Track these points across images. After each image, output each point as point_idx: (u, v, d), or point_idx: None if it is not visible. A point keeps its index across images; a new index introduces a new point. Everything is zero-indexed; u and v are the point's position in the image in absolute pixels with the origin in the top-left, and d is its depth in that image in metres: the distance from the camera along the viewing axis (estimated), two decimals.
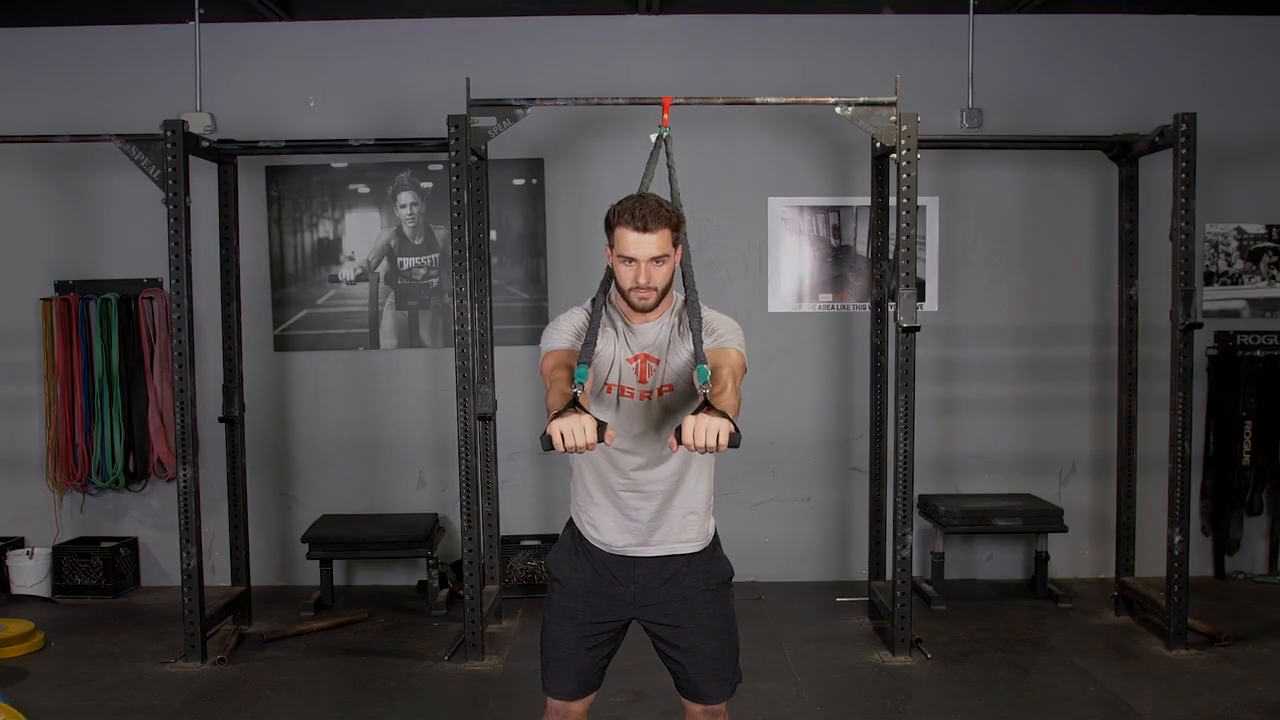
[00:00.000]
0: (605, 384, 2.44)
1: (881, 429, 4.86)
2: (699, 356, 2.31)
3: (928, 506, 5.27)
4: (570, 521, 2.60)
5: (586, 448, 2.09)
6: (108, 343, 5.32)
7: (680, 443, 2.11)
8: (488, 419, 4.52)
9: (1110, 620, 4.88)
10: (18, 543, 5.43)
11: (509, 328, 5.33)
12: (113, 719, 3.84)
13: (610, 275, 2.52)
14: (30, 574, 5.27)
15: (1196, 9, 5.37)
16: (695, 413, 2.12)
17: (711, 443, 2.09)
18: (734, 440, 2.11)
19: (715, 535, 2.59)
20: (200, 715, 3.88)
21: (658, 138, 3.45)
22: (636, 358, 2.43)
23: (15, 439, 5.47)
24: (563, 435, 2.07)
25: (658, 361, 2.43)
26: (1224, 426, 5.41)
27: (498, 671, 4.26)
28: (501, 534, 4.99)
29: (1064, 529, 5.19)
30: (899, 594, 4.33)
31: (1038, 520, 5.18)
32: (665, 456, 2.44)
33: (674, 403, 2.42)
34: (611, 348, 2.44)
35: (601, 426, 2.11)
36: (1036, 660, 4.38)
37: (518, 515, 5.43)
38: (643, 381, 2.42)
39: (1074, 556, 5.53)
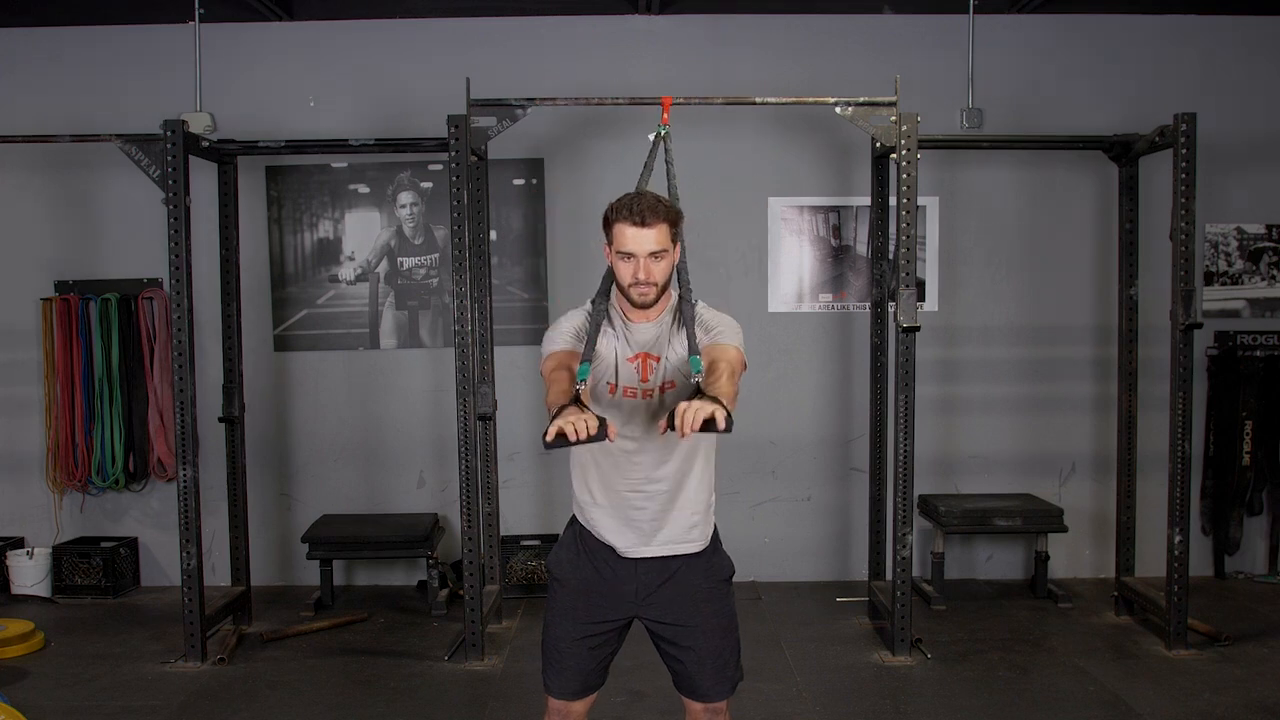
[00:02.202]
0: (606, 384, 2.44)
1: (881, 429, 4.86)
2: (692, 349, 2.33)
3: (928, 506, 5.27)
4: (572, 520, 2.60)
5: (588, 438, 2.07)
6: (108, 343, 5.32)
7: (671, 426, 2.07)
8: (488, 419, 4.52)
9: (1110, 620, 4.88)
10: (18, 543, 5.43)
11: (509, 328, 5.33)
12: (112, 719, 3.84)
13: (609, 278, 2.52)
14: (30, 574, 5.27)
15: (1196, 9, 5.37)
16: (689, 399, 2.11)
17: (698, 425, 2.02)
18: (727, 426, 2.04)
19: (716, 535, 2.59)
20: (200, 715, 3.88)
21: (656, 136, 3.46)
22: (637, 357, 2.43)
23: (15, 439, 5.47)
24: (563, 432, 2.06)
25: (658, 359, 2.43)
26: (1224, 426, 5.41)
27: (498, 671, 4.26)
28: (501, 534, 4.99)
29: (1064, 529, 5.19)
30: (899, 594, 4.33)
31: (1038, 520, 5.18)
32: (669, 457, 2.44)
33: (677, 399, 2.41)
34: (611, 348, 2.45)
35: (603, 423, 2.11)
36: (1036, 660, 4.38)
37: (518, 515, 5.43)
38: (644, 380, 2.43)
39: (1074, 556, 5.53)
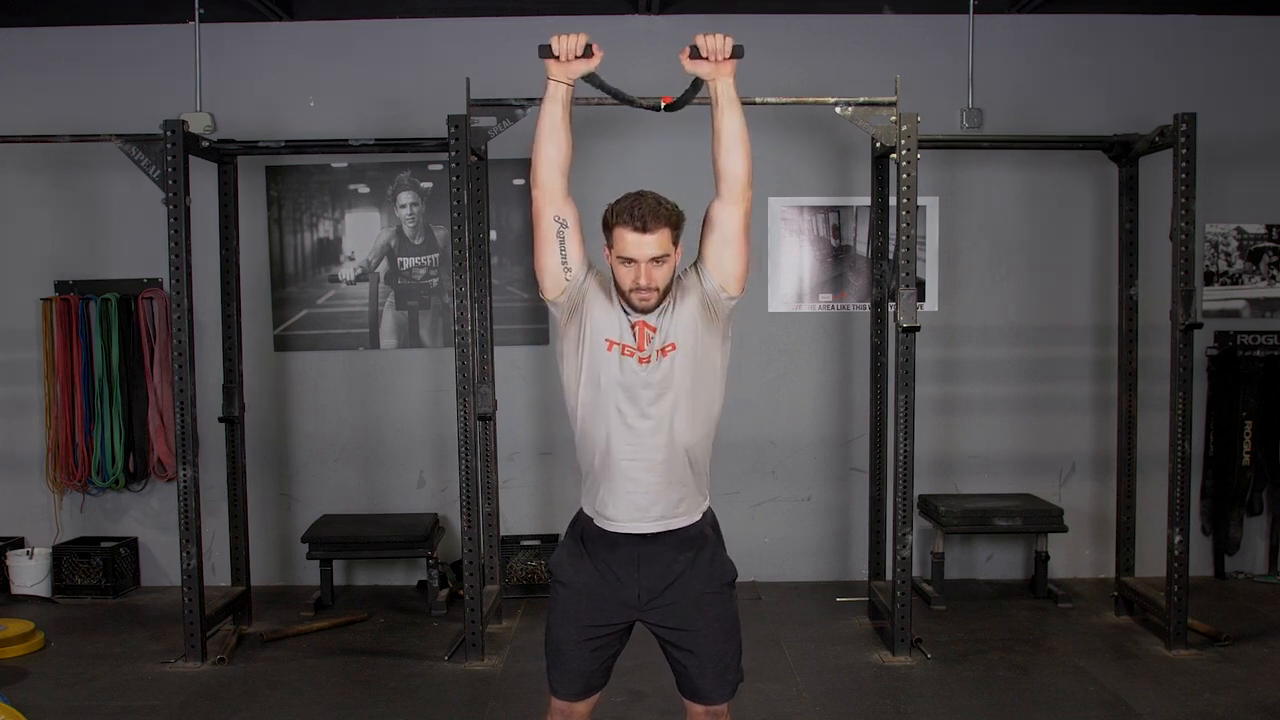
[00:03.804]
0: (605, 340, 2.42)
1: (881, 429, 4.86)
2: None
3: (928, 506, 5.27)
4: (572, 523, 2.59)
5: (579, 55, 2.45)
6: (108, 343, 5.32)
7: (694, 56, 2.44)
8: (488, 419, 4.52)
9: (1110, 620, 4.88)
10: (18, 543, 5.43)
11: (509, 328, 5.32)
12: (112, 719, 3.84)
13: None
14: (30, 574, 5.27)
15: (1196, 9, 5.37)
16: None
17: (719, 45, 2.47)
18: (738, 50, 2.48)
19: (719, 533, 2.58)
20: (200, 715, 3.88)
21: (655, 108, 3.43)
22: (636, 325, 2.43)
23: (15, 439, 5.47)
24: (559, 40, 2.41)
25: (655, 329, 2.42)
26: (1224, 426, 5.41)
27: (498, 671, 4.26)
28: (501, 534, 4.99)
29: (1064, 529, 5.19)
30: (899, 594, 4.33)
31: (1038, 520, 5.18)
32: (666, 427, 2.41)
33: (678, 361, 2.41)
34: (612, 311, 2.43)
35: (589, 45, 2.43)
36: (1036, 660, 4.38)
37: (518, 515, 5.43)
38: (640, 349, 2.41)
39: (1074, 556, 5.53)
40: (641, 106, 3.03)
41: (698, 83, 2.55)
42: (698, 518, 2.52)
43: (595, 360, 2.42)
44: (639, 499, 2.44)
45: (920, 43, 5.33)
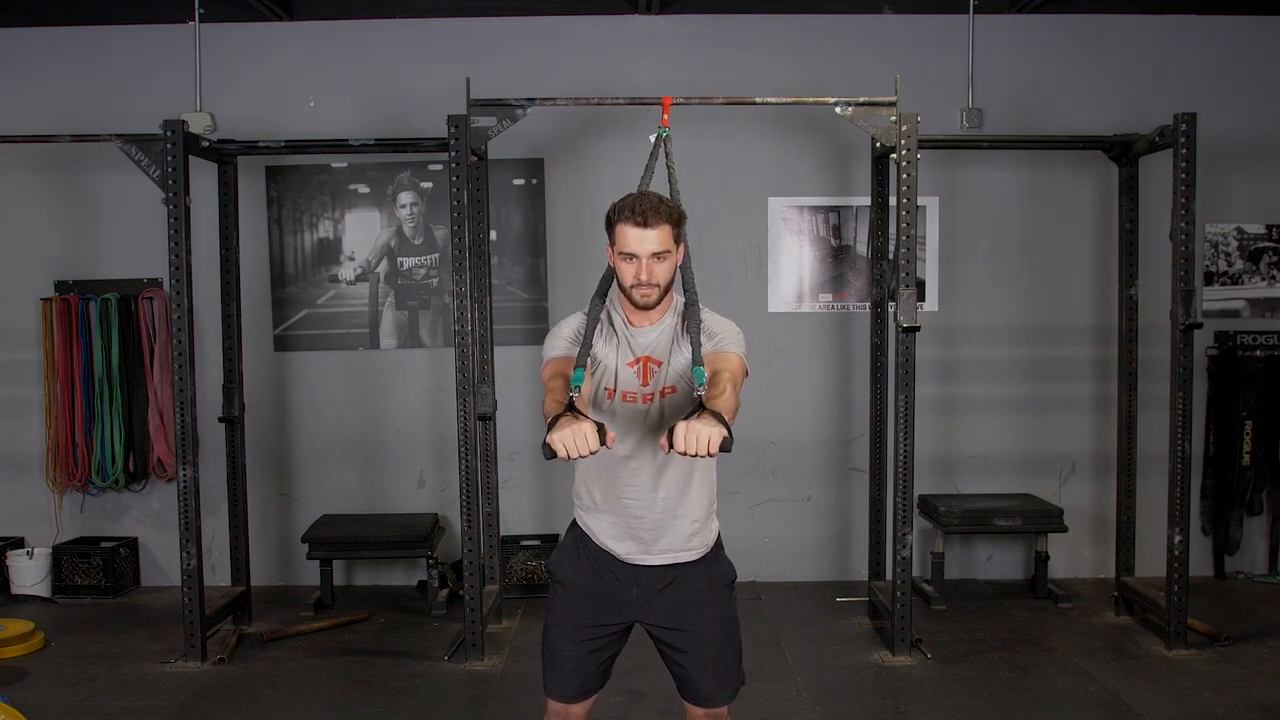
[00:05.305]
0: (605, 389, 2.42)
1: (881, 429, 4.86)
2: (696, 359, 2.29)
3: (928, 506, 5.27)
4: (573, 523, 2.59)
5: (590, 454, 2.09)
6: (108, 343, 5.32)
7: (671, 446, 2.10)
8: (488, 419, 4.52)
9: (1110, 620, 4.88)
10: (18, 543, 5.43)
11: (509, 328, 5.33)
12: (112, 719, 3.84)
13: (607, 279, 2.52)
14: (30, 574, 5.27)
15: (1196, 9, 5.37)
16: (689, 416, 2.11)
17: (701, 449, 2.08)
18: (725, 446, 2.09)
19: (718, 539, 2.58)
20: (200, 715, 3.88)
21: (657, 138, 3.46)
22: (638, 360, 2.42)
23: (15, 439, 5.47)
24: (564, 445, 2.07)
25: (659, 363, 2.42)
26: (1224, 426, 5.41)
27: (498, 671, 4.26)
28: (501, 534, 4.99)
29: (1064, 529, 5.19)
30: (899, 594, 4.33)
31: (1038, 520, 5.18)
32: (668, 464, 2.42)
33: (677, 404, 2.41)
34: (613, 354, 2.43)
35: (601, 430, 2.10)
36: (1036, 660, 4.38)
37: (518, 515, 5.43)
38: (645, 384, 2.41)
39: (1074, 556, 5.53)
40: (669, 164, 3.18)
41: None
42: (708, 550, 2.52)
43: (597, 405, 2.43)
44: (644, 535, 2.45)
45: (920, 43, 5.33)
